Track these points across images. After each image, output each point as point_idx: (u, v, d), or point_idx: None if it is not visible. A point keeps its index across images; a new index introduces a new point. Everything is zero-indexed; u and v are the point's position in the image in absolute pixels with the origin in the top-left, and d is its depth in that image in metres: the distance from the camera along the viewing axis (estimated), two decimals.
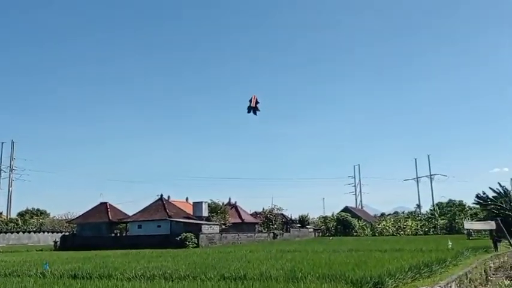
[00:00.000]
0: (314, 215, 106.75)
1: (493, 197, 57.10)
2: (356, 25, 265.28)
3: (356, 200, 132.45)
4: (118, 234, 60.84)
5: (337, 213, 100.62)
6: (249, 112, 24.24)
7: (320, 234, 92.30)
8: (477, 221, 57.52)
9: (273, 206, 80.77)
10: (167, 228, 54.55)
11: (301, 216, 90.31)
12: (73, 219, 69.51)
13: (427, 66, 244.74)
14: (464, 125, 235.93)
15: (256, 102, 24.23)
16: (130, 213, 61.88)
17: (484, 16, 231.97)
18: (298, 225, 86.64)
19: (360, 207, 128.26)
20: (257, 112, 24.35)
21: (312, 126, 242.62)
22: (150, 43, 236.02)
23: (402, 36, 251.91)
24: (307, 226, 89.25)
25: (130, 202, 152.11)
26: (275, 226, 76.56)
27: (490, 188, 57.40)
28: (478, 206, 70.18)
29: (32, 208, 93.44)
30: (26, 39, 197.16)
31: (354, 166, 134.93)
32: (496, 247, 29.82)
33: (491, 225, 32.85)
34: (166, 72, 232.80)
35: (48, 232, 78.22)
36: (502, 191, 56.11)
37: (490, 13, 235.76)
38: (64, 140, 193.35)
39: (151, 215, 57.78)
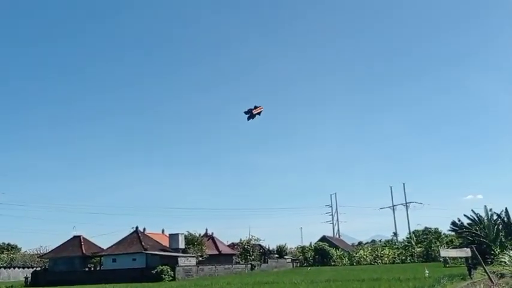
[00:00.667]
0: (292, 244, 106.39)
1: (467, 224, 57.75)
2: (326, 54, 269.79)
3: (333, 229, 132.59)
4: (92, 269, 59.43)
5: (315, 243, 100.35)
6: (247, 114, 23.89)
7: (298, 264, 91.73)
8: (453, 248, 57.95)
9: (250, 237, 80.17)
10: (143, 262, 53.51)
11: (279, 246, 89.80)
12: (45, 254, 67.71)
13: (399, 95, 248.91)
14: (437, 153, 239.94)
15: (258, 113, 23.95)
16: (104, 247, 60.56)
17: (454, 47, 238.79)
18: (276, 255, 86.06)
19: (337, 236, 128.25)
20: (250, 118, 23.97)
21: (288, 155, 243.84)
22: (117, 75, 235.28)
23: (374, 66, 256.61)
24: (285, 256, 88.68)
25: (105, 235, 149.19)
26: (253, 257, 75.84)
27: (465, 215, 58.14)
28: (453, 233, 70.89)
29: (3, 243, 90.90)
30: None
31: (331, 195, 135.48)
32: (470, 274, 29.99)
33: (466, 252, 33.08)
34: (138, 103, 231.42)
35: (19, 268, 75.84)
36: (476, 218, 56.81)
37: (460, 43, 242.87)
38: (35, 173, 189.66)
39: (126, 248, 56.62)
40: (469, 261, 32.31)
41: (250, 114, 23.95)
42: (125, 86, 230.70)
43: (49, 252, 66.18)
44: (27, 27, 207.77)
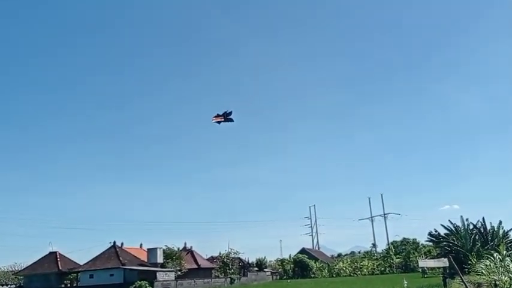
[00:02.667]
0: (271, 257, 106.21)
1: (444, 234, 58.31)
2: (307, 73, 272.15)
3: (313, 241, 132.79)
4: (69, 285, 58.36)
5: (294, 255, 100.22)
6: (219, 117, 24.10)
7: (278, 277, 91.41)
8: (431, 258, 58.46)
9: (229, 250, 79.69)
10: (120, 277, 52.77)
11: (258, 259, 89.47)
12: (20, 271, 66.26)
13: (377, 111, 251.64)
14: (414, 165, 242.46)
15: (222, 116, 24.13)
16: (81, 263, 59.57)
17: (433, 62, 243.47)
18: (256, 268, 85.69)
19: (316, 248, 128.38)
20: (224, 120, 24.19)
21: (266, 167, 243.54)
22: (91, 95, 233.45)
23: (354, 85, 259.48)
24: (265, 269, 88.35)
25: (82, 250, 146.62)
26: (232, 271, 75.36)
27: (442, 225, 58.67)
28: (431, 244, 71.53)
29: None
30: None
31: (310, 207, 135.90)
32: (445, 284, 30.33)
33: (444, 262, 33.40)
34: (113, 121, 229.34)
35: None
36: (453, 228, 57.43)
37: (437, 59, 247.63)
38: (7, 187, 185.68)
39: (103, 263, 55.79)
40: (446, 271, 32.66)
41: (224, 118, 24.18)
42: (99, 106, 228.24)
43: (24, 268, 64.82)
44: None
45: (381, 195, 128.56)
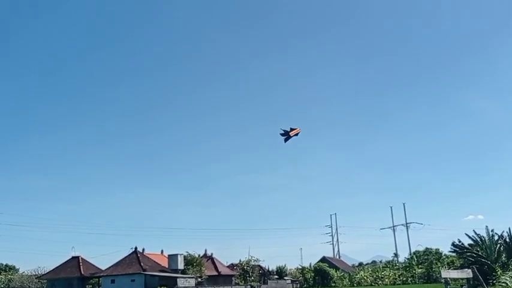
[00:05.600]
0: (291, 265, 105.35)
1: (468, 244, 57.35)
2: (331, 80, 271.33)
3: (333, 249, 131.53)
4: None
5: (315, 264, 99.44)
6: (284, 135, 23.90)
7: (298, 285, 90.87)
8: (454, 269, 57.55)
9: (249, 258, 79.54)
10: (141, 283, 53.11)
11: (279, 267, 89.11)
12: (43, 275, 67.15)
13: (399, 121, 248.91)
14: (437, 173, 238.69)
15: (295, 134, 23.95)
16: (103, 267, 60.15)
17: (457, 72, 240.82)
18: (276, 276, 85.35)
19: (337, 257, 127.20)
20: (287, 139, 24.00)
21: (287, 175, 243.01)
22: (116, 99, 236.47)
23: (378, 93, 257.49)
24: (285, 277, 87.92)
25: (104, 255, 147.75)
26: (252, 278, 75.21)
27: (466, 235, 57.65)
28: (454, 254, 70.38)
29: (1, 264, 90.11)
30: None
31: (331, 215, 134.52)
32: None
33: (467, 273, 32.95)
34: (138, 126, 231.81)
35: None
36: (477, 239, 56.47)
37: (463, 68, 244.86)
38: (32, 193, 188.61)
39: (125, 268, 56.25)
40: (470, 282, 32.13)
41: (287, 136, 24.01)
42: (124, 111, 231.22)
43: (47, 273, 65.67)
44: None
45: (403, 204, 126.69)
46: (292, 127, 24.12)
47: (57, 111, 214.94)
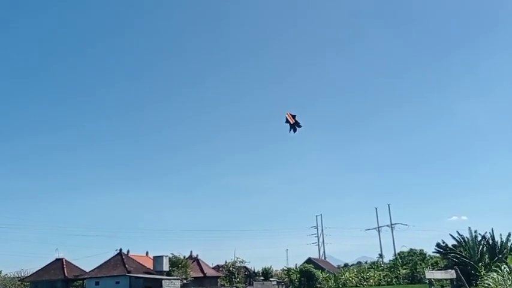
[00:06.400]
0: (277, 267, 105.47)
1: (452, 245, 57.88)
2: (316, 81, 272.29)
3: (319, 250, 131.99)
4: None
5: (300, 265, 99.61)
6: (294, 132, 22.92)
7: (284, 287, 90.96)
8: (438, 270, 58.01)
9: (235, 259, 79.55)
10: (126, 285, 52.80)
11: (264, 268, 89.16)
12: (26, 277, 66.34)
13: (384, 122, 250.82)
14: (421, 175, 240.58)
15: (293, 117, 23.01)
16: (87, 269, 59.68)
17: (439, 73, 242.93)
18: (262, 278, 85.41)
19: (323, 258, 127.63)
20: (299, 125, 22.95)
21: (273, 176, 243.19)
22: (104, 101, 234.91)
23: (363, 95, 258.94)
24: (271, 279, 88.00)
25: (88, 257, 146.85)
26: (238, 279, 75.19)
27: (451, 235, 58.22)
28: (438, 255, 70.99)
29: None
30: None
31: (316, 216, 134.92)
32: None
33: (451, 274, 33.25)
34: (127, 124, 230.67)
35: None
36: (461, 240, 57.02)
37: (445, 69, 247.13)
38: (13, 194, 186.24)
39: (109, 270, 55.87)
40: (453, 283, 32.44)
41: (293, 126, 23.15)
42: (111, 112, 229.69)
43: (30, 275, 64.95)
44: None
45: (388, 205, 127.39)
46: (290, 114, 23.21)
47: (44, 113, 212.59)
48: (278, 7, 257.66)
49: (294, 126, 22.75)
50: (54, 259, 62.48)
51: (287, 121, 22.79)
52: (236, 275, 76.10)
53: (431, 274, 47.66)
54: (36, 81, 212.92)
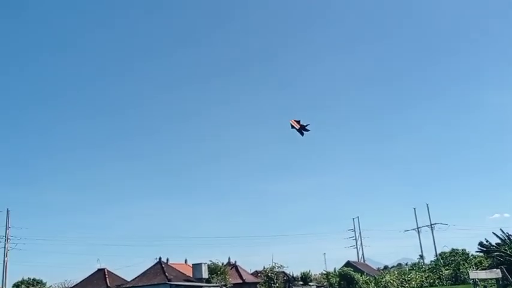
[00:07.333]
0: (316, 271, 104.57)
1: (496, 244, 56.36)
2: (349, 74, 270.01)
3: (358, 253, 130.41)
4: None
5: (339, 269, 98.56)
6: (302, 135, 23.95)
7: None
8: (482, 269, 56.56)
9: (273, 264, 79.31)
10: None
11: (303, 273, 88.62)
12: None
13: (415, 119, 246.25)
14: (460, 172, 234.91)
15: (298, 123, 23.97)
16: (129, 279, 60.57)
17: (469, 65, 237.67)
18: (301, 282, 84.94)
19: (362, 260, 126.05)
20: (307, 129, 23.94)
21: (307, 180, 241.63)
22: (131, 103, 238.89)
23: (393, 89, 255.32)
24: (310, 283, 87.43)
25: (129, 267, 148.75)
26: (277, 285, 74.99)
27: (494, 234, 56.68)
28: (481, 254, 69.22)
29: (28, 278, 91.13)
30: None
31: (353, 219, 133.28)
32: None
33: (496, 273, 32.35)
34: (162, 131, 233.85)
35: None
36: (505, 238, 55.48)
37: (474, 61, 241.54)
38: (53, 207, 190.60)
39: (150, 279, 56.53)
40: (499, 282, 31.55)
41: (301, 131, 24.09)
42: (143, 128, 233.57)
43: (74, 286, 66.27)
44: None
45: (427, 205, 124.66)
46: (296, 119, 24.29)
47: (81, 128, 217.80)
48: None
49: (301, 130, 23.88)
50: (96, 269, 63.66)
51: (293, 127, 23.94)
52: (275, 281, 75.90)
53: (475, 274, 46.55)
54: (67, 99, 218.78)
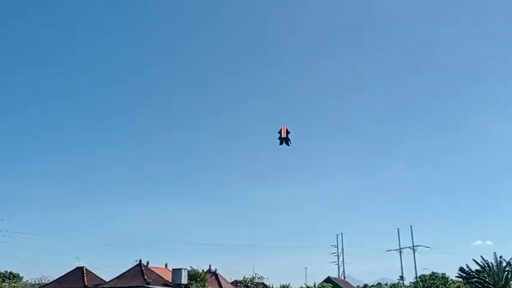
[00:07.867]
0: (295, 284, 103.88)
1: (476, 270, 56.78)
2: (343, 105, 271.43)
3: (338, 270, 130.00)
4: None
5: (319, 284, 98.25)
6: (281, 144, 23.63)
7: None
8: None
9: (254, 275, 78.75)
10: None
11: (283, 286, 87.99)
12: (47, 284, 66.82)
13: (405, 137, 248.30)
14: (446, 198, 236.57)
15: (287, 133, 23.69)
16: (107, 279, 59.97)
17: (457, 86, 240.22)
18: None
19: (342, 277, 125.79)
20: (289, 143, 23.72)
21: (294, 193, 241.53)
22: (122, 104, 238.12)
23: (392, 119, 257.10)
24: None
25: (109, 267, 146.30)
26: None
27: (474, 260, 57.16)
28: (461, 280, 69.61)
29: (5, 271, 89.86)
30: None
31: (337, 235, 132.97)
32: None
33: None
34: (149, 136, 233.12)
35: None
36: (485, 265, 55.89)
37: (461, 81, 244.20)
38: (35, 201, 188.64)
39: (128, 281, 55.96)
40: None
41: (284, 140, 23.89)
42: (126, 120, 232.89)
43: (51, 282, 65.42)
44: None
45: (410, 226, 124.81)
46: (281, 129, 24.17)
47: (62, 118, 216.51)
48: None
49: (284, 140, 23.64)
50: (74, 267, 62.94)
51: (280, 132, 23.69)
52: None
53: None
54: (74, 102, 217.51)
